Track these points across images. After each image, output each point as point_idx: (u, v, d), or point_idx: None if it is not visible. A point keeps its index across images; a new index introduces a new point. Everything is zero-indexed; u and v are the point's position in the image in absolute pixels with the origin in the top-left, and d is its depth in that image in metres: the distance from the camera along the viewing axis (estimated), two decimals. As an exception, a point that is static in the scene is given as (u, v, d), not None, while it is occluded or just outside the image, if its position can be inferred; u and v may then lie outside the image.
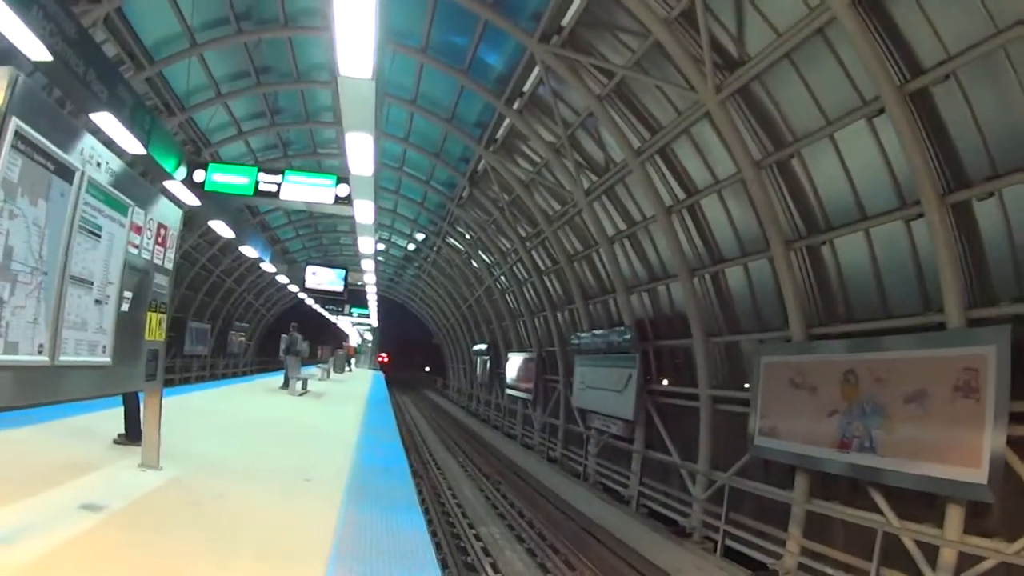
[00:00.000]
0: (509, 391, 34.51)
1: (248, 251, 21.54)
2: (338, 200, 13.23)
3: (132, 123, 10.91)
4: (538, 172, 21.54)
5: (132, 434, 8.60)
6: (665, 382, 19.68)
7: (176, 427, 10.73)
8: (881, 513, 11.16)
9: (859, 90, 10.87)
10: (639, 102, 15.89)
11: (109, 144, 7.32)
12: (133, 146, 11.34)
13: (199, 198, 14.15)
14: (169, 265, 7.53)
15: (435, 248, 39.37)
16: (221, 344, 47.08)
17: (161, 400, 7.63)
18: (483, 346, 42.30)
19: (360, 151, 9.72)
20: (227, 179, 13.75)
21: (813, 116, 11.93)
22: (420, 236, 39.69)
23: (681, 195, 16.28)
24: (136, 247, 6.45)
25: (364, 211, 13.50)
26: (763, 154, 13.15)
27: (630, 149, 16.30)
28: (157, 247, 7.08)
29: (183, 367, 39.30)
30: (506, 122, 20.95)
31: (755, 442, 14.00)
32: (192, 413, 13.27)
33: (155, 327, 7.26)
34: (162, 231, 7.19)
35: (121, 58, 17.02)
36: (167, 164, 13.12)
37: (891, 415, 10.73)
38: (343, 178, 13.29)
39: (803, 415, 12.79)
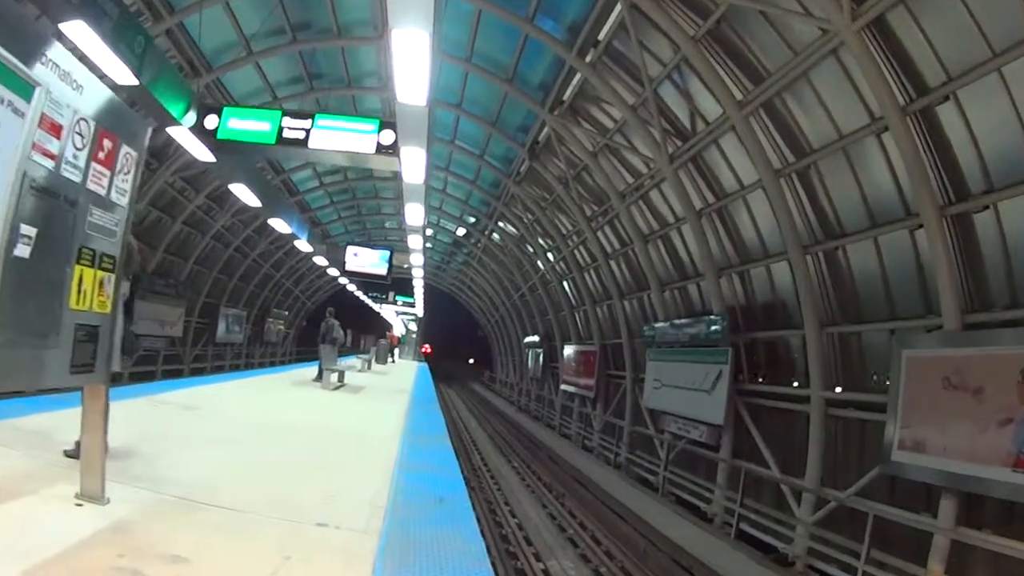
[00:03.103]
0: (565, 387, 31.81)
1: (280, 225, 19.05)
2: (381, 149, 10.64)
3: (116, 41, 8.42)
4: (611, 138, 18.78)
5: (91, 444, 6.16)
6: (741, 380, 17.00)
7: (167, 431, 8.50)
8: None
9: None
10: (743, 43, 13.21)
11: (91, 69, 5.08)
12: (120, 73, 8.83)
13: (211, 150, 11.62)
14: (120, 199, 5.07)
15: (487, 232, 36.84)
16: (258, 332, 44.95)
17: (107, 403, 5.24)
18: (535, 338, 39.73)
19: (411, 58, 7.03)
20: (245, 125, 11.25)
21: (974, 48, 9.34)
22: (471, 219, 37.21)
23: (791, 157, 13.59)
24: (52, 158, 4.02)
25: (413, 163, 10.85)
26: (906, 100, 10.47)
27: (732, 100, 13.61)
28: (96, 167, 4.63)
29: (215, 355, 37.33)
30: (575, 79, 18.30)
31: (892, 457, 11.19)
32: (197, 412, 10.90)
33: (91, 290, 4.78)
34: (107, 144, 4.74)
35: (138, 8, 14.91)
36: (172, 106, 10.62)
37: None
38: (387, 123, 10.75)
39: (961, 424, 10.04)
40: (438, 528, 5.90)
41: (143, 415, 9.66)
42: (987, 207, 10.06)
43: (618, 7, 14.49)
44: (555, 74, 18.65)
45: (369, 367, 29.69)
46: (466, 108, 23.16)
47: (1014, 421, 9.15)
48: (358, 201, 37.47)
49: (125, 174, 5.12)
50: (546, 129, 21.31)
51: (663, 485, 18.54)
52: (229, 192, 17.01)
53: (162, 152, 22.15)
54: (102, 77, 5.35)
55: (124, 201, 5.15)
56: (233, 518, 5.38)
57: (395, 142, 10.44)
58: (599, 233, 23.72)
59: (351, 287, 42.08)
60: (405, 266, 27.76)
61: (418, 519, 6.03)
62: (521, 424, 39.07)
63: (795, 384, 15.31)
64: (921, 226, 10.93)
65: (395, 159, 10.68)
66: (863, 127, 11.52)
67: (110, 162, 4.81)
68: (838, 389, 13.72)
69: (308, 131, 10.93)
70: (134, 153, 5.23)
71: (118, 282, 5.22)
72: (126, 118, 5.12)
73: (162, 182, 23.25)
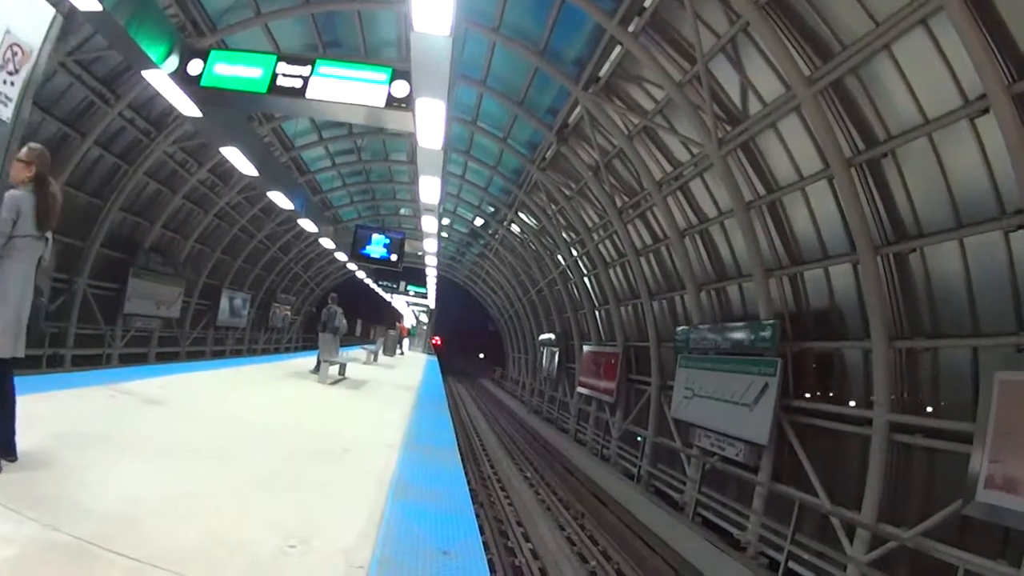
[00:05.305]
0: (581, 390, 30.04)
1: (280, 200, 17.29)
2: (392, 102, 8.95)
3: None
4: (651, 119, 17.01)
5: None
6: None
7: (109, 431, 6.80)
8: None
9: None
10: (813, 10, 11.39)
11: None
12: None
13: (194, 100, 9.93)
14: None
15: (506, 222, 35.17)
16: (262, 317, 43.47)
17: None
18: (551, 336, 38.01)
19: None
20: (234, 71, 9.56)
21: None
22: (490, 209, 35.54)
23: (861, 144, 11.88)
24: None
25: (430, 121, 9.07)
26: (1008, 80, 8.80)
27: (799, 76, 11.78)
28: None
29: (216, 340, 35.88)
30: (614, 54, 16.52)
31: (978, 496, 9.40)
32: (160, 407, 9.21)
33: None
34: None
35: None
36: (151, 48, 9.01)
37: None
38: (401, 72, 9.05)
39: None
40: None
41: (91, 408, 8.00)
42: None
43: (671, -32, 12.78)
44: (592, 47, 16.90)
45: (375, 359, 28.11)
46: (491, 85, 21.44)
47: None
48: (372, 185, 35.90)
49: (9, 73, 3.48)
50: (577, 110, 19.62)
51: (693, 507, 16.69)
52: (234, 168, 15.41)
53: (160, 121, 20.79)
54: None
55: (7, 113, 3.51)
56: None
57: (410, 94, 8.74)
58: (630, 226, 21.92)
59: (361, 274, 40.53)
60: (419, 253, 26.20)
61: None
62: (533, 427, 37.50)
63: (851, 403, 13.62)
64: (1021, 227, 9.32)
65: (409, 115, 8.96)
66: (955, 110, 9.81)
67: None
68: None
69: (307, 79, 9.25)
70: (26, 45, 3.58)
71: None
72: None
73: (160, 152, 21.86)
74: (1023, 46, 8.65)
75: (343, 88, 9.19)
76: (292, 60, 9.48)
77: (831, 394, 14.41)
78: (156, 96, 15.39)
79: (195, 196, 26.77)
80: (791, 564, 12.85)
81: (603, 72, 17.47)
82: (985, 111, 9.21)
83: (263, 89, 9.34)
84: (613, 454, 24.42)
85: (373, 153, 30.91)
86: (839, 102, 11.91)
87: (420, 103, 8.41)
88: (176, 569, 3.91)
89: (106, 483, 5.11)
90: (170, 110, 18.63)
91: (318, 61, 9.38)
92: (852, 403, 13.65)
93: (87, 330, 23.58)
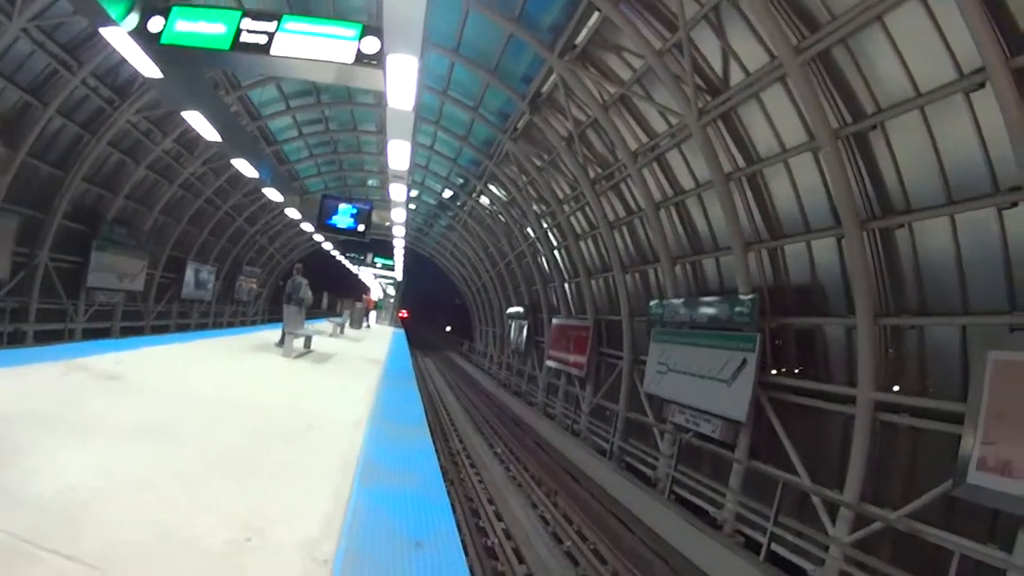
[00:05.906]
0: (551, 363, 29.79)
1: (245, 168, 16.59)
2: (362, 59, 8.42)
3: None
4: (629, 89, 16.58)
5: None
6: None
7: (59, 411, 6.34)
8: None
9: None
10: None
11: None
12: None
13: (154, 59, 9.36)
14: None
15: (475, 194, 34.56)
16: (228, 290, 42.65)
17: None
18: (519, 309, 37.77)
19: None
20: (196, 27, 8.99)
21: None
22: (459, 180, 34.91)
23: (848, 117, 11.60)
24: None
25: (402, 80, 8.52)
26: (1006, 54, 8.54)
27: (787, 45, 11.44)
28: None
29: (181, 313, 35.33)
30: (592, 20, 16.03)
31: (969, 479, 9.24)
32: (117, 383, 8.68)
33: None
34: None
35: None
36: (110, 4, 8.42)
37: None
38: (372, 28, 8.53)
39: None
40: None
41: (42, 386, 7.48)
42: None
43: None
44: (569, 13, 16.38)
45: (342, 331, 27.63)
46: (463, 53, 20.82)
47: None
48: (339, 155, 35.08)
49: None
50: (552, 79, 19.08)
51: (668, 485, 16.37)
52: (200, 138, 14.83)
53: (124, 89, 20.14)
54: None
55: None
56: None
57: (381, 50, 8.24)
58: (603, 198, 21.54)
59: (327, 246, 39.98)
60: (387, 224, 25.63)
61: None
62: (502, 400, 37.20)
63: (821, 381, 13.45)
64: (1015, 204, 9.18)
65: (379, 73, 8.45)
66: (949, 83, 9.60)
67: None
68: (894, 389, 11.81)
69: (272, 35, 8.70)
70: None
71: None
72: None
73: (124, 121, 21.20)
74: (1022, 20, 8.43)
75: (310, 44, 8.67)
76: (257, 16, 8.92)
77: (809, 372, 14.19)
78: (120, 63, 14.82)
79: (159, 166, 26.04)
80: (779, 548, 12.66)
81: (580, 40, 16.98)
82: (981, 85, 9.03)
83: (226, 46, 8.79)
84: (584, 428, 24.16)
85: (341, 123, 30.25)
86: (827, 73, 11.63)
87: (391, 60, 7.91)
88: (115, 569, 3.47)
89: (49, 469, 4.66)
90: (134, 77, 18.08)
91: (285, 17, 8.84)
92: (822, 381, 13.49)
93: (49, 305, 22.99)
